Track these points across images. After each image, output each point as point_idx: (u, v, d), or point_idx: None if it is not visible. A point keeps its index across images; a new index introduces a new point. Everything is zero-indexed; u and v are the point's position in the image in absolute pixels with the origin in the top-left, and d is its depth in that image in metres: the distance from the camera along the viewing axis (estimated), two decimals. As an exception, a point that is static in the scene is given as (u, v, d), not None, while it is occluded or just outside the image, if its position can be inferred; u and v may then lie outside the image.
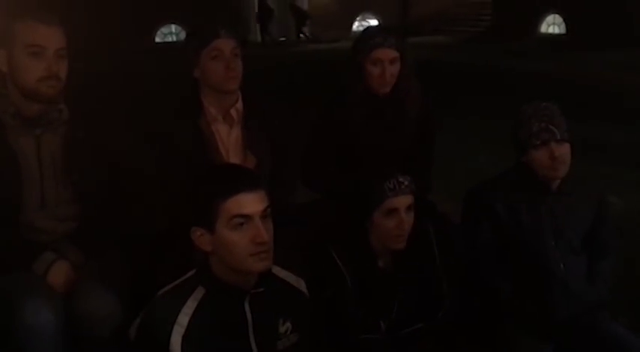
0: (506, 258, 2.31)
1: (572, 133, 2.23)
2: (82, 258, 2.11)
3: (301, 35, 21.26)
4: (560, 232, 2.27)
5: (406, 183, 2.07)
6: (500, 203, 2.29)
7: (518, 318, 2.23)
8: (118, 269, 2.09)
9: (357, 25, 22.07)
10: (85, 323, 1.93)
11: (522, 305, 2.24)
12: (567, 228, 2.28)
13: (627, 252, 3.45)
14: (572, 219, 2.29)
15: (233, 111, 2.39)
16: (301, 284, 1.87)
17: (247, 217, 1.64)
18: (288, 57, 16.42)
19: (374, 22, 20.50)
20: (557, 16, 18.30)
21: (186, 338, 1.66)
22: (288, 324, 1.80)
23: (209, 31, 2.34)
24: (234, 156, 2.37)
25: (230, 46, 2.33)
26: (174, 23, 20.22)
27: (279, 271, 1.83)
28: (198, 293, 1.71)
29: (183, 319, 1.67)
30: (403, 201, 2.06)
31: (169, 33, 20.67)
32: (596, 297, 2.29)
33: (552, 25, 18.66)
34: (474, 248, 2.33)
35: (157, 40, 20.57)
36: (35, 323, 1.83)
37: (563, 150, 2.21)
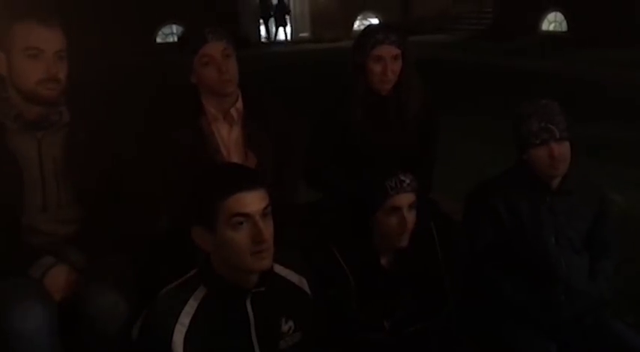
0: (509, 257, 2.30)
1: (571, 131, 2.22)
2: (84, 260, 2.10)
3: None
4: (561, 230, 2.26)
5: (408, 181, 2.06)
6: (501, 203, 2.28)
7: (521, 317, 2.22)
8: (122, 270, 2.08)
9: (358, 25, 22.05)
10: (94, 324, 1.92)
11: (525, 304, 2.23)
12: (568, 227, 2.27)
13: (631, 251, 3.45)
14: (573, 218, 2.29)
15: (233, 111, 2.39)
16: (304, 283, 1.87)
17: (247, 216, 1.63)
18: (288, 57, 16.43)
19: (375, 21, 20.49)
20: (558, 13, 18.26)
21: (188, 337, 1.65)
22: (291, 323, 1.79)
23: (196, 38, 2.32)
24: (234, 156, 2.37)
25: (219, 49, 2.30)
26: (175, 23, 20.22)
27: (281, 270, 1.83)
28: (200, 292, 1.71)
29: (185, 318, 1.67)
30: (405, 199, 2.05)
31: (170, 33, 20.68)
32: (598, 295, 2.28)
33: (554, 22, 18.63)
34: (475, 248, 2.32)
35: (158, 40, 20.59)
36: (23, 327, 1.81)
37: (563, 149, 2.20)
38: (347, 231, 2.15)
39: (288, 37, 21.95)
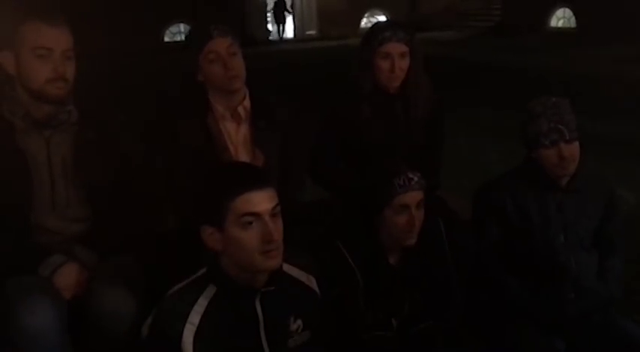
0: (516, 255, 2.29)
1: (580, 129, 2.21)
2: (93, 258, 2.11)
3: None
4: (570, 228, 2.25)
5: (416, 179, 2.06)
6: (509, 201, 2.27)
7: (528, 315, 2.21)
8: (131, 269, 2.09)
9: (365, 22, 22.03)
10: (103, 323, 1.93)
11: (532, 302, 2.22)
12: (577, 224, 2.26)
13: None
14: (581, 215, 2.27)
15: (240, 109, 2.38)
16: (312, 282, 1.87)
17: (256, 215, 1.63)
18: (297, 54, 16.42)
19: (382, 18, 20.47)
20: (567, 9, 18.18)
21: (197, 335, 1.66)
22: (300, 322, 1.79)
23: (202, 35, 2.33)
24: (242, 154, 2.37)
25: (225, 45, 2.30)
26: (182, 22, 20.26)
27: (289, 269, 1.83)
28: (209, 291, 1.71)
29: (195, 317, 1.67)
30: (413, 197, 2.05)
31: (178, 32, 20.73)
32: (607, 293, 2.27)
33: (562, 19, 18.54)
34: (482, 246, 2.31)
35: (166, 39, 20.65)
36: (31, 324, 1.81)
37: (573, 150, 2.19)
38: (354, 230, 2.15)
39: (290, 35, 21.95)
